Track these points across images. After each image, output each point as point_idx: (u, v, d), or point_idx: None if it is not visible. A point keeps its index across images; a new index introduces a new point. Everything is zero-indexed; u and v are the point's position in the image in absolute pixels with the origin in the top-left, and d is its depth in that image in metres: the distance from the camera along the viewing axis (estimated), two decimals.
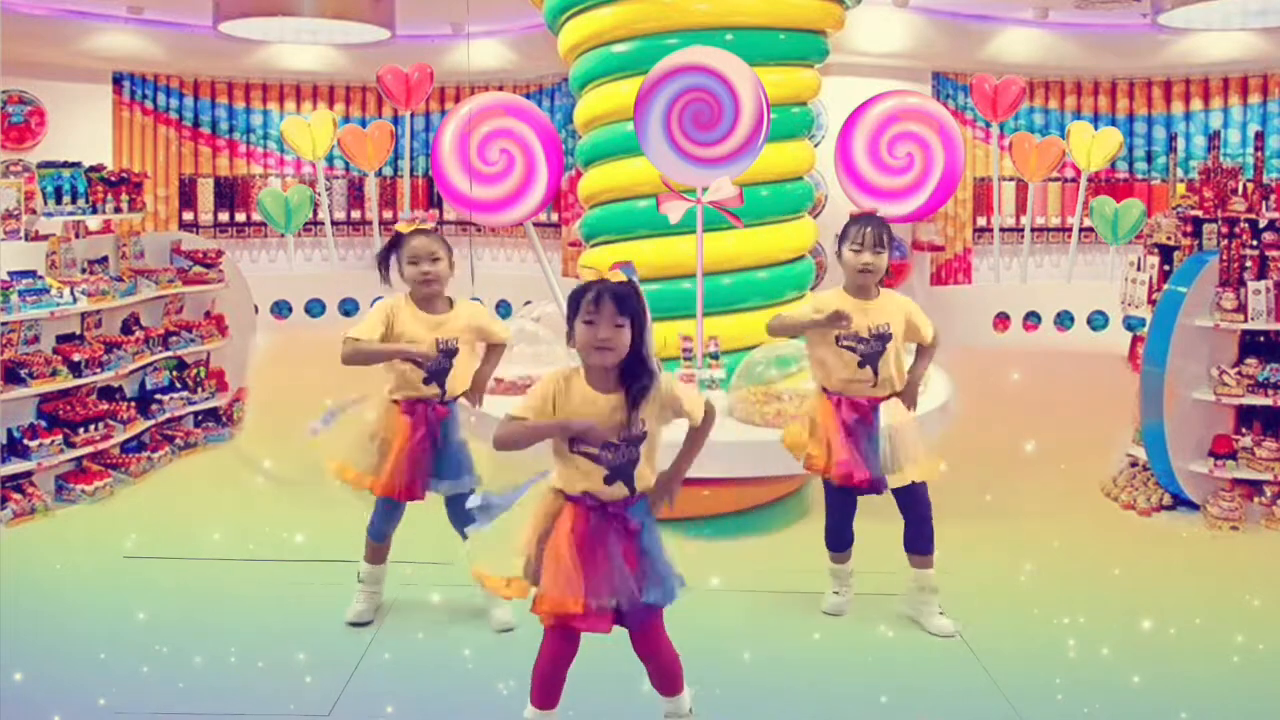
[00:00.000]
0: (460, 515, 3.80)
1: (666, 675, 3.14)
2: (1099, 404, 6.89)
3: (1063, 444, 6.43)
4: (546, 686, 3.10)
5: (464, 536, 3.89)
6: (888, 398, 3.97)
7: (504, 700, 3.45)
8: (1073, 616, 4.19)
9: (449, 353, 3.91)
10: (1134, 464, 5.86)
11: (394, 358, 3.87)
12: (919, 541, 4.06)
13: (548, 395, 2.97)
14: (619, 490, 2.96)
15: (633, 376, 2.93)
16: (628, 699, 3.41)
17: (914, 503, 4.03)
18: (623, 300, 2.89)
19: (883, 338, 3.93)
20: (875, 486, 3.94)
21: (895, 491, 4.00)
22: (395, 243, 3.95)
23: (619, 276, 2.93)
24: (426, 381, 3.91)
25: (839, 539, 4.17)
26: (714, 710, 3.38)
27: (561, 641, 3.04)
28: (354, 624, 4.07)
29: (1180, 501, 5.51)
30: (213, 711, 3.47)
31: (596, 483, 2.95)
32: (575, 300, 2.94)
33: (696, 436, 3.15)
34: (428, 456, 3.91)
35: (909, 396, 4.03)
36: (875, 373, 3.93)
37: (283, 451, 6.46)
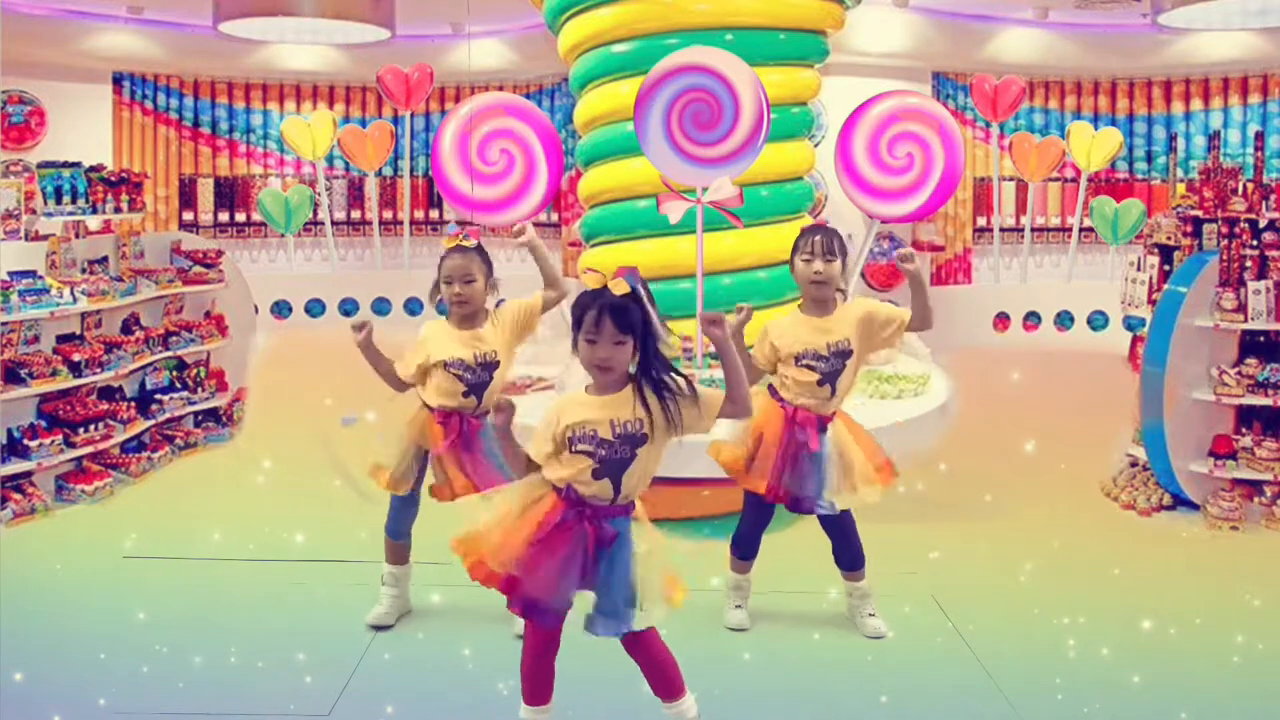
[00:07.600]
0: None
1: (660, 678, 3.10)
2: (1099, 404, 6.88)
3: (1063, 444, 6.43)
4: (532, 681, 3.10)
5: None
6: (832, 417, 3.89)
7: (504, 700, 3.45)
8: (1073, 616, 4.18)
9: (487, 366, 3.87)
10: (1134, 464, 5.85)
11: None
12: (845, 559, 4.02)
13: (551, 420, 2.93)
14: (604, 488, 2.90)
15: (648, 384, 2.89)
16: (628, 699, 3.40)
17: (837, 526, 3.98)
18: (623, 316, 2.81)
19: (843, 354, 3.84)
20: (801, 506, 3.88)
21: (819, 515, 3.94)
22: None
23: (622, 286, 2.82)
24: (465, 395, 3.87)
25: (747, 546, 4.10)
26: (715, 711, 3.37)
27: (540, 632, 3.03)
28: (375, 627, 4.02)
29: (1180, 501, 5.50)
30: (213, 711, 3.47)
31: (585, 475, 2.89)
32: (578, 312, 2.86)
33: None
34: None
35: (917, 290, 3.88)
36: (833, 391, 3.85)
37: (283, 451, 6.47)
